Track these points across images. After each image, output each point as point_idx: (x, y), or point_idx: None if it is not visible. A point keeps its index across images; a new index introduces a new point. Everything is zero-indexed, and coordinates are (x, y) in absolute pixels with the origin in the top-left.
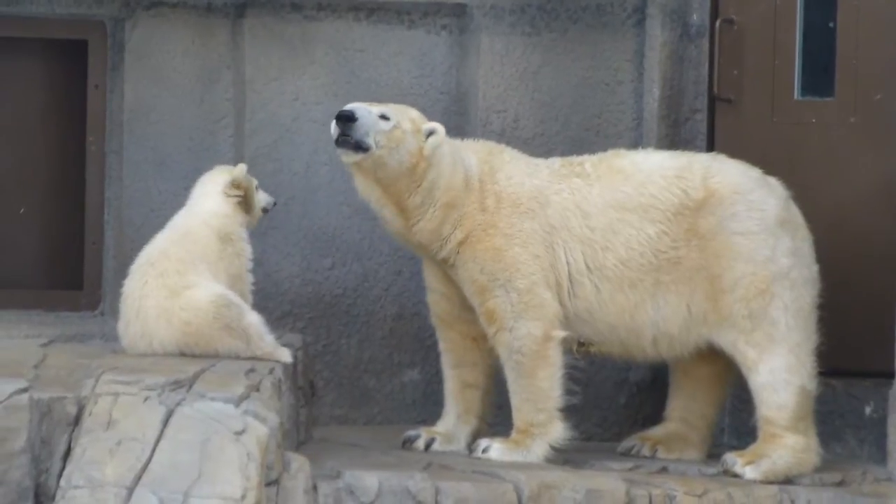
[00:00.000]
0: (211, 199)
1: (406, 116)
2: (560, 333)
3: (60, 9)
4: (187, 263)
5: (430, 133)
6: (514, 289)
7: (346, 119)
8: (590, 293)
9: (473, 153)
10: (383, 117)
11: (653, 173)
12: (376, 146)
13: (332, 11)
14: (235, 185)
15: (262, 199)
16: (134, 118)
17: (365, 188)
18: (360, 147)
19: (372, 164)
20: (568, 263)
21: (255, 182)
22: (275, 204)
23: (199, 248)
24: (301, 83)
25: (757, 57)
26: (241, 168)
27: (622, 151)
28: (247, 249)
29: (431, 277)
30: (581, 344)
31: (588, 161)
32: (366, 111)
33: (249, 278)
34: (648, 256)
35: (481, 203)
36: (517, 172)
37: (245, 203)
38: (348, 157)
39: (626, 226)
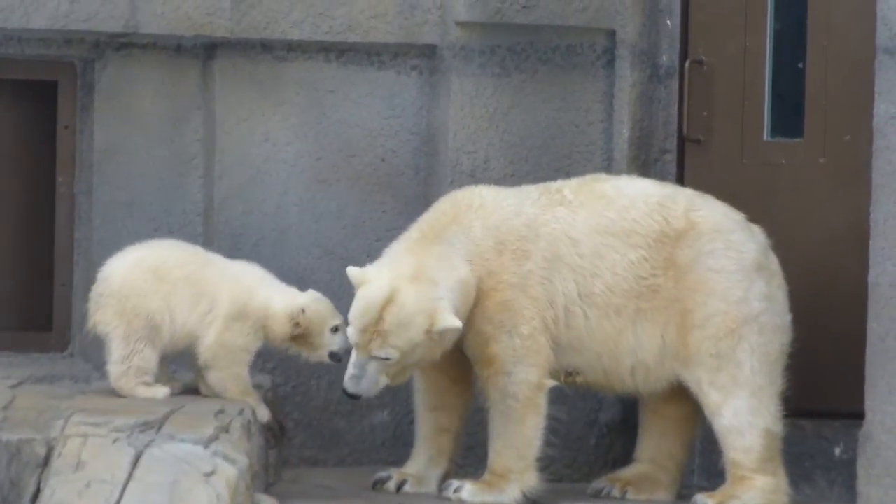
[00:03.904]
0: (281, 296)
1: (407, 334)
2: (550, 383)
3: (30, 50)
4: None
5: (444, 329)
6: (518, 334)
7: (353, 398)
8: (580, 321)
9: (457, 226)
10: (384, 358)
11: (636, 199)
12: (390, 378)
13: (302, 52)
14: (295, 321)
15: (336, 341)
16: (104, 159)
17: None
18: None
19: (396, 377)
20: (564, 294)
21: (334, 323)
22: (339, 357)
23: (232, 303)
24: (271, 124)
25: (726, 98)
26: (308, 303)
27: (602, 175)
28: (249, 342)
29: None
30: (568, 374)
31: (566, 187)
32: (364, 380)
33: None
34: (631, 282)
35: (488, 268)
36: (504, 217)
37: (303, 339)
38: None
39: (611, 251)
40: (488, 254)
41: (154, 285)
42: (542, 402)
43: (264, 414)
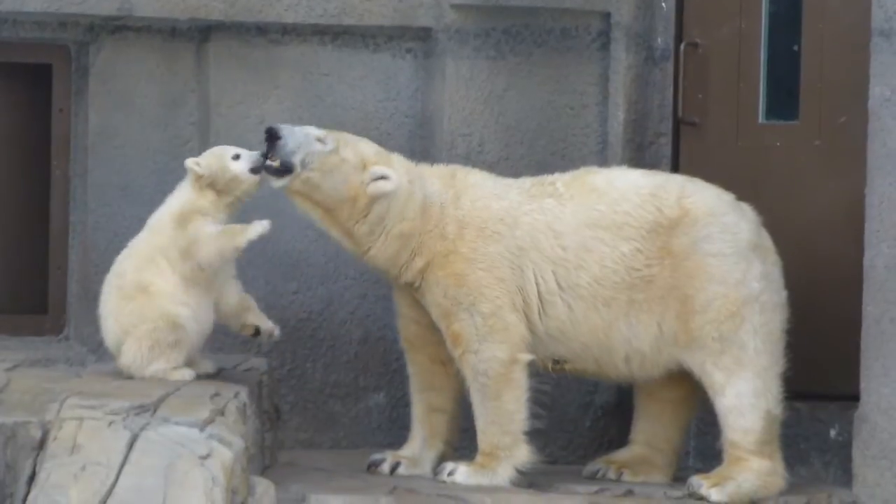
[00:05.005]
0: (179, 189)
1: (353, 148)
2: (526, 356)
3: (24, 33)
4: (145, 259)
5: (381, 177)
6: (479, 312)
7: (271, 136)
8: (562, 312)
9: (437, 178)
10: (320, 140)
11: (627, 191)
12: (302, 166)
13: (296, 35)
14: (197, 176)
15: (241, 165)
16: (98, 142)
17: (303, 209)
18: (283, 169)
19: (301, 186)
20: (538, 284)
21: (229, 153)
22: (265, 160)
23: (158, 238)
24: (266, 107)
25: (721, 80)
26: (196, 159)
27: (595, 168)
28: (204, 229)
29: (401, 302)
30: (556, 362)
31: (560, 180)
32: (296, 130)
33: (210, 254)
34: (622, 274)
35: (441, 231)
36: (483, 195)
37: (222, 188)
38: (274, 184)
39: (600, 244)
40: (447, 220)
41: (134, 302)
42: (519, 376)
43: (258, 321)
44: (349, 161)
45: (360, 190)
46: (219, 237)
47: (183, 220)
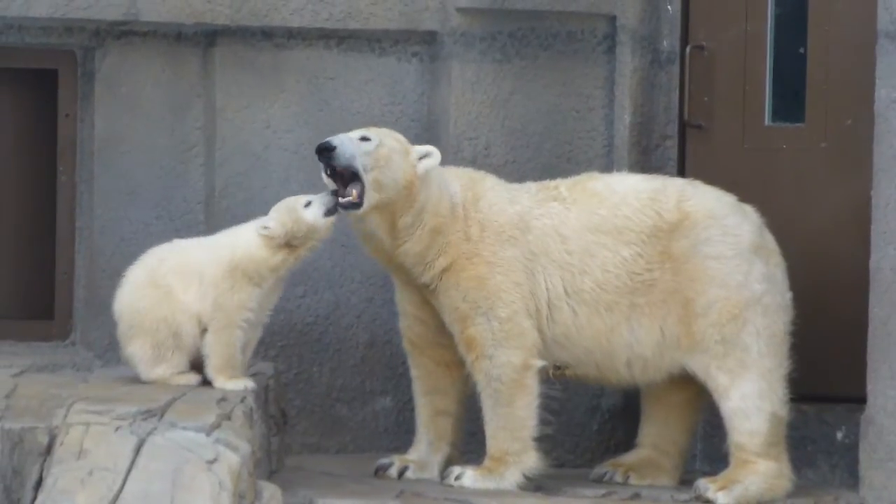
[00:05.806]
0: (249, 237)
1: (390, 136)
2: (538, 363)
3: (30, 38)
4: (186, 268)
5: (424, 155)
6: (496, 317)
7: (326, 149)
8: (567, 318)
9: (457, 179)
10: (363, 139)
11: (627, 195)
12: (364, 170)
13: (302, 39)
14: (269, 239)
15: (315, 211)
16: (105, 147)
17: (369, 224)
18: (358, 202)
19: (374, 196)
20: (547, 289)
21: (300, 203)
22: (336, 196)
23: (209, 265)
24: (272, 111)
25: (727, 83)
26: (263, 222)
27: (596, 174)
28: (235, 326)
29: (406, 302)
30: (557, 367)
31: (563, 185)
32: (343, 138)
33: (214, 340)
34: (624, 279)
35: (466, 232)
36: (499, 200)
37: (296, 241)
38: (354, 213)
39: (602, 248)
40: (471, 222)
41: (153, 294)
42: (531, 382)
43: (237, 385)
44: (395, 148)
45: (411, 173)
46: (229, 347)
47: (238, 274)
